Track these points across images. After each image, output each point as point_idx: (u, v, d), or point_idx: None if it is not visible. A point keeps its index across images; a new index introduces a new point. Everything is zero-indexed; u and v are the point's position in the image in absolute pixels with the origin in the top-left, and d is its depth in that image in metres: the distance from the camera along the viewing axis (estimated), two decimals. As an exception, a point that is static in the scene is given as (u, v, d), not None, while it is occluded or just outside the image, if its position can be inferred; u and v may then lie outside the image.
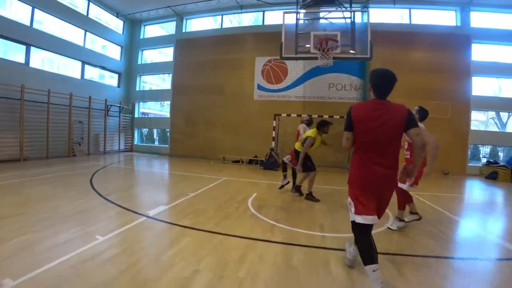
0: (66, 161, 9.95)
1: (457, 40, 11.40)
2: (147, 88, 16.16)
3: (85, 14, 12.70)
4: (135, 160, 11.65)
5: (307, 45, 6.24)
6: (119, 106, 14.25)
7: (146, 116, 16.42)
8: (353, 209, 2.24)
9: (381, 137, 2.14)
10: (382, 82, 2.20)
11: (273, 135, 10.93)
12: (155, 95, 15.66)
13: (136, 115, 15.52)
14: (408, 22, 12.24)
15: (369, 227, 2.23)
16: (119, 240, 3.08)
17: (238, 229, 3.64)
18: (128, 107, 15.05)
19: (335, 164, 10.79)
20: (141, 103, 15.91)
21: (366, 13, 6.75)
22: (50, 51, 11.20)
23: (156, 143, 15.81)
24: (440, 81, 11.29)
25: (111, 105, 13.57)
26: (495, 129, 12.23)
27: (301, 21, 6.67)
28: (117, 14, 14.26)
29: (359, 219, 2.19)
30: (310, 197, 5.40)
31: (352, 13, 6.52)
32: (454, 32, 11.60)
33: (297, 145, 5.60)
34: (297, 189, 5.77)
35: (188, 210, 4.38)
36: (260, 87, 12.52)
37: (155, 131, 16.03)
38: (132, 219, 3.77)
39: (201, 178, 7.64)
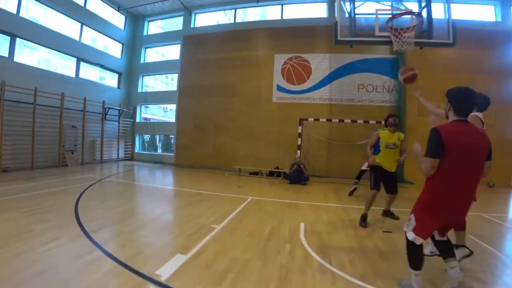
0: (54, 172, 8.39)
1: (497, 37, 10.07)
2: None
3: (83, 5, 11.31)
4: (136, 172, 10.03)
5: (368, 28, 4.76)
6: (119, 109, 12.76)
7: (148, 121, 14.89)
8: (412, 228, 2.16)
9: (477, 164, 2.06)
10: (464, 101, 2.10)
11: (299, 142, 9.34)
12: (159, 97, 13.96)
13: (137, 120, 13.97)
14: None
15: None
16: None
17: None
18: (129, 110, 13.52)
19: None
20: (143, 106, 14.38)
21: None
22: (40, 44, 9.72)
23: (160, 151, 14.23)
24: (480, 82, 9.74)
25: (109, 108, 12.06)
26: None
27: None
28: (118, 8, 12.87)
29: (419, 241, 2.13)
30: (360, 221, 4.32)
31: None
32: (493, 28, 10.30)
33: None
34: (387, 214, 4.86)
35: (221, 264, 2.74)
36: (280, 88, 10.99)
37: (157, 137, 14.49)
38: (132, 291, 2.15)
39: (221, 197, 6.01)
